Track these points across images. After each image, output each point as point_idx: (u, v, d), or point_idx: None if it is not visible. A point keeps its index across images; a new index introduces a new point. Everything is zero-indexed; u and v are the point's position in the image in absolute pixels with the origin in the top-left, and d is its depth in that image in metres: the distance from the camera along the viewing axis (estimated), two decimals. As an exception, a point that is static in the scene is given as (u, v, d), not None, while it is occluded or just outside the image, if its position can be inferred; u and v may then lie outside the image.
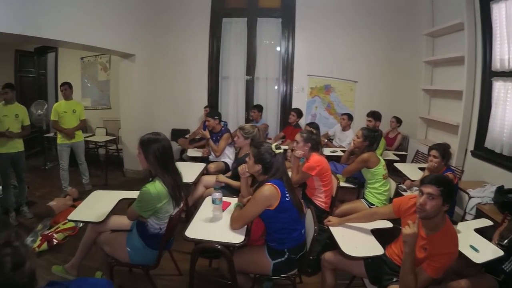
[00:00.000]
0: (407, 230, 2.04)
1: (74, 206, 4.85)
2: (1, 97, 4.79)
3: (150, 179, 2.64)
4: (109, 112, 8.20)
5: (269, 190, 2.37)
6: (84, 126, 6.12)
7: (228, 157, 5.04)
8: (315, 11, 6.72)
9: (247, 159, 2.67)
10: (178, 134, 7.04)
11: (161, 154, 2.50)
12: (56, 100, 8.44)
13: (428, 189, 2.08)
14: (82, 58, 8.43)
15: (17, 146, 4.88)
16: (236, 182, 3.81)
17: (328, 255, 2.60)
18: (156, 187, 2.45)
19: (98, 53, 7.78)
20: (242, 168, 2.80)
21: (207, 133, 5.11)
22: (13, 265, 1.06)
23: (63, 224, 4.52)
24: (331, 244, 2.72)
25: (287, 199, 2.42)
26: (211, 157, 5.10)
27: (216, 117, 5.08)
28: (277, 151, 2.52)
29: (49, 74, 9.48)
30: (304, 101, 7.01)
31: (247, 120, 7.05)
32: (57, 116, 5.58)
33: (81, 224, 4.47)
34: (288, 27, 6.88)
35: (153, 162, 2.51)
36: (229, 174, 4.28)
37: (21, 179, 5.09)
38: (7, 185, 4.90)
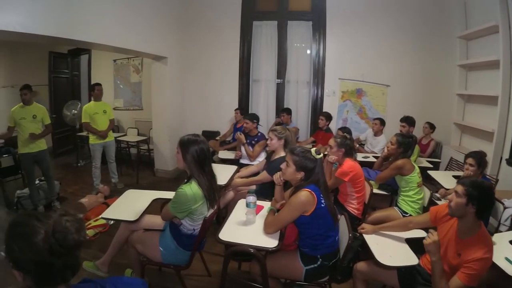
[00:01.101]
0: (428, 239, 2.05)
1: (106, 204, 5.10)
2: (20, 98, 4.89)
3: (186, 180, 2.65)
4: (141, 113, 8.35)
5: (305, 196, 2.34)
6: (113, 125, 6.24)
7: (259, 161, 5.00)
8: (346, 14, 6.63)
9: (282, 166, 2.63)
10: (208, 136, 7.02)
11: (199, 155, 2.52)
12: (89, 101, 8.59)
13: (457, 187, 2.11)
14: (115, 60, 8.63)
15: (40, 145, 5.02)
16: (253, 178, 3.88)
17: (361, 265, 2.56)
18: (192, 188, 2.47)
19: (130, 55, 7.94)
20: (277, 177, 2.78)
21: (242, 137, 5.06)
22: (76, 229, 1.18)
23: (95, 221, 4.64)
24: (363, 252, 2.69)
25: (322, 205, 2.38)
26: (242, 160, 5.10)
27: (254, 120, 5.09)
28: (318, 156, 2.48)
29: (82, 75, 9.76)
30: (335, 105, 6.92)
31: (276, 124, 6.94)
32: (89, 118, 5.71)
33: (112, 221, 4.56)
34: (319, 30, 6.80)
35: (190, 163, 2.53)
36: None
37: (48, 176, 5.24)
38: (32, 183, 5.08)
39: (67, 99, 8.42)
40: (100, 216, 4.62)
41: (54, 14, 3.88)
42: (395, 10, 6.49)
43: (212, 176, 2.66)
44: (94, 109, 5.76)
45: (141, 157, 7.52)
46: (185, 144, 2.54)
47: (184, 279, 2.92)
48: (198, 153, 2.52)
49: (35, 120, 4.91)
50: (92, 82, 8.33)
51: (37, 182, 5.40)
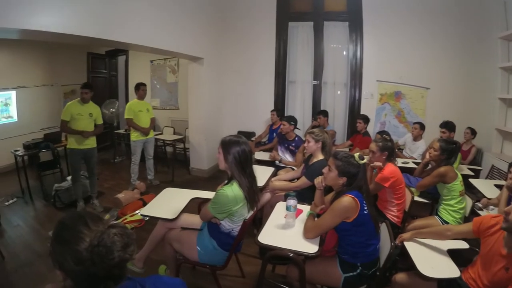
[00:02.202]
0: None
1: (141, 200, 5.22)
2: (80, 96, 5.03)
3: (226, 181, 2.65)
4: (177, 112, 8.53)
5: (348, 202, 2.29)
6: (154, 123, 6.40)
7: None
8: (383, 14, 6.46)
9: (324, 170, 2.59)
10: (243, 136, 7.05)
11: (240, 156, 2.51)
12: (127, 100, 9.04)
13: None
14: (151, 61, 8.85)
15: (90, 142, 5.16)
16: (292, 184, 3.83)
17: (400, 277, 2.47)
18: (233, 190, 2.47)
19: (167, 56, 8.12)
20: (318, 182, 2.75)
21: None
22: (123, 246, 1.11)
23: (131, 216, 4.77)
24: (401, 261, 2.63)
25: (365, 212, 2.33)
26: (278, 162, 5.05)
27: (292, 122, 5.01)
28: (361, 162, 2.43)
29: (120, 76, 10.18)
30: (373, 108, 6.76)
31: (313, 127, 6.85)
32: (133, 114, 5.89)
33: (147, 218, 4.59)
34: (356, 31, 6.67)
35: (232, 164, 2.52)
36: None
37: (92, 173, 5.40)
38: (77, 179, 5.21)
39: (104, 98, 8.74)
40: (137, 212, 4.83)
41: (93, 15, 4.01)
42: (433, 9, 6.27)
43: (253, 178, 2.65)
44: (138, 106, 5.98)
45: (177, 155, 7.67)
46: (227, 145, 2.54)
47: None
48: (240, 154, 2.51)
49: (91, 118, 5.09)
50: (130, 82, 8.81)
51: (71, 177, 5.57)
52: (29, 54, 8.34)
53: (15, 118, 8.24)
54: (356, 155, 2.45)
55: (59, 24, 3.62)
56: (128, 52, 9.41)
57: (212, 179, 6.91)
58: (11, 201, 5.85)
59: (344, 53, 6.95)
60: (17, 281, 3.61)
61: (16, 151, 6.09)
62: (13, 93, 8.12)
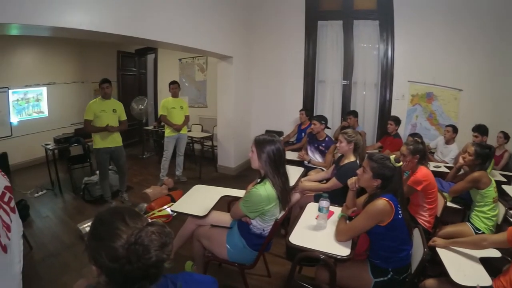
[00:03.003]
0: None
1: (169, 195, 5.30)
2: (100, 92, 5.06)
3: (259, 180, 2.63)
4: (205, 110, 8.65)
5: (383, 205, 2.24)
6: (188, 121, 6.51)
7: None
8: (414, 12, 6.26)
9: (359, 171, 2.55)
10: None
11: (275, 155, 2.49)
12: (155, 97, 9.28)
13: None
14: (180, 60, 9.01)
15: (116, 140, 5.21)
16: (323, 185, 3.78)
17: (430, 283, 2.40)
18: (267, 189, 2.45)
19: (196, 54, 8.22)
20: (352, 183, 2.72)
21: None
22: (160, 245, 1.09)
23: (158, 211, 4.85)
24: (430, 267, 2.57)
25: (399, 216, 2.28)
26: (307, 163, 5.00)
27: (323, 122, 4.93)
28: (397, 165, 2.38)
29: (149, 73, 10.44)
30: (404, 109, 6.59)
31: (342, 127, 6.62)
32: (167, 111, 6.02)
33: (175, 213, 4.65)
34: (387, 30, 6.51)
35: (265, 163, 2.50)
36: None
37: (123, 172, 5.48)
38: (105, 178, 5.29)
39: (134, 95, 9.00)
40: (165, 207, 4.91)
41: (124, 14, 4.11)
42: (467, 8, 6.00)
43: (286, 178, 2.62)
44: (172, 104, 6.12)
45: (204, 152, 7.76)
46: (261, 144, 2.52)
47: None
48: (275, 153, 2.48)
49: (115, 114, 5.13)
50: (159, 80, 9.00)
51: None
52: (60, 51, 8.68)
53: (46, 113, 8.61)
54: (392, 157, 2.40)
55: (91, 22, 3.73)
56: (157, 51, 9.60)
57: (239, 177, 6.95)
58: (40, 193, 6.08)
59: (375, 52, 6.79)
60: (43, 270, 3.70)
61: (47, 144, 6.30)
62: (44, 89, 8.48)
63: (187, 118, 6.36)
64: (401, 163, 2.42)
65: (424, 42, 6.34)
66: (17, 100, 7.94)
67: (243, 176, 7.05)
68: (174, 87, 6.22)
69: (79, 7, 3.61)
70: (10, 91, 7.77)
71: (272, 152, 2.48)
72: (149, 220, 1.18)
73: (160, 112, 6.18)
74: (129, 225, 1.13)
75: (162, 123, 6.83)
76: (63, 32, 3.91)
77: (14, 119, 7.90)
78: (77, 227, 4.44)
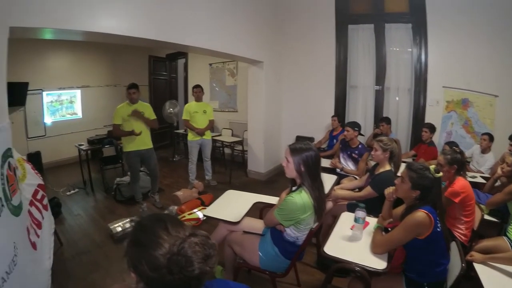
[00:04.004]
0: None
1: (199, 199, 5.36)
2: (127, 97, 5.12)
3: (294, 188, 2.58)
4: (236, 114, 8.67)
5: (422, 217, 2.17)
6: (212, 125, 6.49)
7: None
8: (448, 15, 5.99)
9: (397, 181, 2.49)
10: (302, 141, 6.98)
11: (311, 164, 2.43)
12: (186, 101, 9.46)
13: None
14: (210, 64, 9.10)
15: (146, 143, 5.25)
16: (357, 194, 3.71)
17: None
18: (302, 197, 2.40)
19: (226, 59, 8.26)
20: (389, 193, 2.67)
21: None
22: (203, 257, 1.05)
23: (189, 214, 4.89)
24: (463, 283, 2.48)
25: (438, 229, 2.21)
26: (339, 170, 4.93)
27: (356, 128, 4.84)
28: (437, 175, 2.30)
29: (179, 78, 10.70)
30: (439, 116, 6.30)
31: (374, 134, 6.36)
32: (189, 116, 6.05)
33: (204, 217, 4.71)
34: (420, 33, 6.27)
35: (302, 172, 2.44)
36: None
37: (155, 175, 5.53)
38: (136, 180, 5.39)
39: (165, 99, 9.16)
40: (195, 211, 4.96)
41: (156, 19, 4.21)
42: (504, 10, 5.66)
43: (322, 186, 2.55)
44: (195, 108, 6.11)
45: (234, 157, 7.75)
46: (296, 152, 2.45)
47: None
48: (312, 161, 2.43)
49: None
50: (189, 84, 9.08)
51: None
52: (94, 56, 9.05)
53: (80, 114, 8.99)
54: (432, 167, 2.32)
55: (124, 27, 3.84)
56: (187, 55, 9.77)
57: (269, 183, 6.93)
58: (72, 191, 6.31)
59: (407, 56, 6.57)
60: (73, 267, 3.79)
61: (80, 145, 6.56)
62: (77, 92, 8.87)
63: (211, 122, 6.31)
64: (441, 173, 2.34)
65: (458, 46, 6.06)
66: (51, 101, 8.35)
67: (273, 181, 7.04)
68: (197, 91, 6.21)
69: (112, 12, 3.73)
70: (44, 93, 8.16)
71: (308, 160, 2.42)
72: (192, 231, 1.14)
73: (183, 117, 6.21)
74: (171, 233, 1.10)
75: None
76: (97, 37, 4.04)
77: (48, 119, 8.29)
78: (107, 226, 4.55)
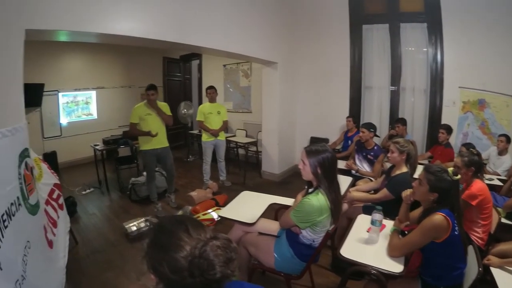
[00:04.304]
0: None
1: (214, 199, 5.38)
2: (145, 98, 5.15)
3: (310, 190, 2.57)
4: (250, 115, 8.68)
5: (440, 220, 2.15)
6: (226, 126, 6.53)
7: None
8: (463, 14, 5.85)
9: (414, 184, 2.47)
10: (316, 142, 6.88)
11: (328, 166, 2.41)
12: (200, 102, 9.56)
13: None
14: (224, 65, 9.13)
15: (162, 142, 5.28)
16: (373, 196, 3.67)
17: None
18: (319, 199, 2.38)
19: (240, 60, 8.28)
20: (406, 195, 2.65)
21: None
22: (225, 261, 1.05)
23: (203, 215, 4.91)
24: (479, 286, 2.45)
25: (456, 233, 2.18)
26: (354, 172, 4.90)
27: (372, 130, 4.82)
28: (455, 178, 2.28)
29: (193, 79, 10.80)
30: (455, 117, 6.17)
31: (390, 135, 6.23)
32: (203, 117, 6.09)
33: (219, 217, 4.73)
34: (435, 33, 6.16)
35: (319, 174, 2.42)
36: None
37: (171, 174, 5.56)
38: (151, 179, 5.41)
39: (179, 100, 9.28)
40: (209, 211, 4.99)
41: (171, 21, 4.26)
42: None
43: (338, 188, 2.54)
44: (209, 109, 6.15)
45: (248, 158, 7.79)
46: (313, 154, 2.44)
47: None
48: (328, 163, 2.42)
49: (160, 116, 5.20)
50: (203, 85, 9.17)
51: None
52: (109, 57, 9.22)
53: (95, 115, 9.18)
54: (450, 170, 2.30)
55: (140, 29, 3.90)
56: (201, 57, 9.84)
57: (283, 184, 6.93)
58: (88, 191, 6.43)
59: (423, 56, 6.46)
60: (87, 266, 3.85)
61: (95, 145, 6.67)
62: (93, 93, 9.05)
63: (225, 123, 6.35)
64: (459, 176, 2.32)
65: (473, 45, 5.92)
66: (67, 102, 8.54)
67: (287, 183, 7.03)
68: (211, 92, 6.24)
69: (127, 14, 3.78)
70: (60, 94, 8.34)
71: (325, 162, 2.41)
72: (213, 234, 1.14)
73: (197, 118, 6.26)
74: (192, 236, 1.10)
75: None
76: (112, 39, 4.07)
77: (64, 120, 8.47)
78: (122, 225, 4.61)
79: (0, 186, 1.82)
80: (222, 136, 6.38)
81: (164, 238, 1.13)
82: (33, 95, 6.82)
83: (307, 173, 2.48)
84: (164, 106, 5.29)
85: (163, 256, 1.08)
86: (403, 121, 6.02)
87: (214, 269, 1.03)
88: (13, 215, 1.92)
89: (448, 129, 5.51)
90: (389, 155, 3.57)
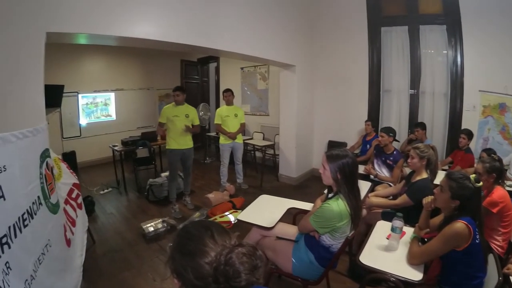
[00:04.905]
0: None
1: (231, 202, 5.38)
2: (172, 99, 5.40)
3: (330, 195, 2.57)
4: (267, 118, 8.68)
5: (461, 228, 2.12)
6: (243, 129, 6.55)
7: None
8: (483, 15, 5.68)
9: (436, 191, 2.44)
10: (334, 146, 6.81)
11: (348, 171, 2.38)
12: (217, 105, 9.67)
13: None
14: (242, 68, 9.17)
15: (188, 143, 5.43)
16: (392, 202, 3.61)
17: None
18: (339, 205, 2.36)
19: (258, 63, 8.32)
20: (427, 202, 2.61)
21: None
22: (251, 268, 1.04)
23: (220, 217, 4.95)
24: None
25: (477, 241, 2.15)
26: (373, 177, 4.84)
27: (391, 134, 4.76)
28: (478, 185, 2.24)
29: (211, 81, 10.97)
30: (476, 122, 6.00)
31: (409, 140, 6.14)
32: (221, 120, 6.15)
33: (236, 220, 4.73)
34: (455, 35, 6.01)
35: (339, 179, 2.39)
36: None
37: (188, 173, 5.66)
38: (174, 178, 5.50)
39: (197, 103, 9.30)
40: (226, 213, 5.02)
41: (189, 24, 4.31)
42: None
43: (359, 194, 2.51)
44: (226, 112, 6.21)
45: (265, 161, 7.74)
46: (333, 159, 2.42)
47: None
48: (349, 168, 2.39)
49: (188, 119, 5.36)
50: (221, 87, 9.22)
51: (165, 174, 6.01)
52: (127, 60, 9.40)
53: (114, 116, 9.37)
54: (473, 177, 2.26)
55: (159, 32, 3.97)
56: (219, 59, 9.92)
57: (301, 188, 6.90)
58: (106, 191, 6.54)
59: (443, 59, 6.31)
60: (104, 264, 3.90)
61: (114, 146, 6.78)
62: (112, 95, 9.24)
63: (242, 126, 6.39)
64: (481, 183, 2.27)
65: (493, 48, 5.76)
66: (86, 104, 8.75)
67: (304, 187, 6.99)
68: (227, 95, 6.31)
69: (145, 18, 3.85)
70: (80, 95, 8.54)
71: (345, 168, 2.38)
72: (238, 242, 1.14)
73: (215, 121, 6.31)
74: (217, 242, 1.10)
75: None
76: (131, 42, 4.17)
77: (83, 121, 8.67)
78: (140, 225, 4.66)
79: (22, 185, 1.87)
80: (239, 139, 6.42)
81: (190, 244, 1.13)
82: (53, 96, 6.94)
83: (327, 178, 2.47)
84: (193, 111, 5.47)
85: (188, 262, 1.09)
86: (423, 126, 5.90)
87: (239, 277, 1.02)
88: (35, 214, 1.96)
89: (469, 134, 5.40)
90: (409, 160, 3.52)
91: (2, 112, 2.46)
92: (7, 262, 1.60)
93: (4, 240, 1.60)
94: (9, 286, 1.53)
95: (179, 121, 5.23)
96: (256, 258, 1.07)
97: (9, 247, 1.64)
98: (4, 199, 1.60)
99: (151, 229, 4.54)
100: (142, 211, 5.55)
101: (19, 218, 1.76)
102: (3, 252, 1.58)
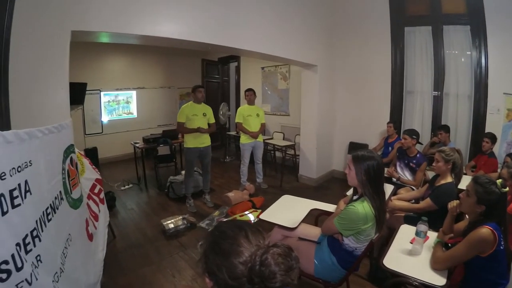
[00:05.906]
0: None
1: (251, 201, 5.44)
2: (193, 97, 5.48)
3: (355, 197, 2.56)
4: (287, 118, 8.68)
5: (486, 234, 2.08)
6: (264, 129, 6.59)
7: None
8: (508, 16, 5.48)
9: (462, 195, 2.41)
10: (355, 148, 6.84)
11: (375, 172, 2.37)
12: (238, 104, 9.78)
13: None
14: (262, 68, 9.19)
15: (205, 141, 5.52)
16: (415, 205, 3.57)
17: None
18: (365, 207, 2.35)
19: (279, 63, 8.33)
20: (453, 207, 2.58)
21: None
22: (286, 269, 1.04)
23: (240, 216, 4.99)
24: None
25: (501, 247, 2.12)
26: (395, 180, 4.79)
27: (414, 136, 4.70)
28: (504, 190, 2.20)
29: (231, 81, 11.08)
30: (499, 125, 5.80)
31: (432, 143, 6.04)
32: (242, 119, 6.19)
33: (256, 219, 4.80)
34: (479, 36, 5.84)
35: (364, 181, 2.38)
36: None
37: (207, 171, 5.75)
38: (190, 175, 5.61)
39: (217, 102, 9.52)
40: (246, 213, 5.08)
41: (211, 23, 4.36)
42: None
43: (384, 197, 2.49)
44: (248, 111, 6.26)
45: (286, 161, 7.74)
46: (360, 160, 2.41)
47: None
48: (374, 170, 2.37)
49: (205, 117, 5.47)
50: (241, 87, 9.38)
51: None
52: (149, 58, 9.60)
53: (135, 114, 9.60)
54: (499, 181, 2.23)
55: (180, 31, 4.03)
56: (239, 59, 9.98)
57: (321, 189, 6.86)
58: (127, 186, 6.72)
59: (467, 60, 6.14)
60: (124, 259, 3.98)
61: (135, 143, 6.97)
62: (133, 93, 9.48)
63: (263, 125, 6.43)
64: (507, 188, 2.24)
65: None
66: (108, 101, 8.99)
67: (324, 188, 6.97)
68: (249, 94, 6.35)
69: (168, 17, 3.90)
70: (102, 93, 8.80)
71: (371, 169, 2.37)
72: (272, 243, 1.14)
73: (236, 120, 6.35)
74: (251, 242, 1.11)
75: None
76: (153, 40, 4.24)
77: (105, 118, 8.91)
78: (160, 222, 4.73)
79: (46, 180, 1.91)
80: (260, 138, 6.45)
81: (225, 244, 1.13)
82: (76, 94, 7.13)
83: (352, 179, 2.46)
84: (209, 110, 5.55)
85: (223, 261, 1.09)
86: (446, 128, 5.74)
87: (275, 278, 1.02)
88: (57, 209, 1.99)
89: (493, 138, 5.26)
90: (434, 164, 3.48)
91: (29, 108, 2.54)
92: (38, 255, 1.65)
93: (35, 233, 1.64)
94: (37, 279, 1.55)
95: (198, 120, 5.33)
96: (292, 259, 1.07)
97: (40, 240, 1.68)
98: (31, 194, 1.63)
99: (172, 226, 4.62)
100: (162, 207, 5.65)
101: (43, 212, 1.80)
102: (34, 246, 1.61)
